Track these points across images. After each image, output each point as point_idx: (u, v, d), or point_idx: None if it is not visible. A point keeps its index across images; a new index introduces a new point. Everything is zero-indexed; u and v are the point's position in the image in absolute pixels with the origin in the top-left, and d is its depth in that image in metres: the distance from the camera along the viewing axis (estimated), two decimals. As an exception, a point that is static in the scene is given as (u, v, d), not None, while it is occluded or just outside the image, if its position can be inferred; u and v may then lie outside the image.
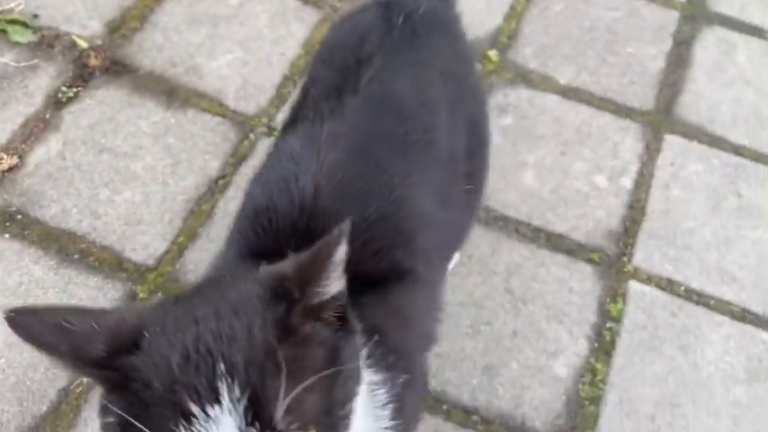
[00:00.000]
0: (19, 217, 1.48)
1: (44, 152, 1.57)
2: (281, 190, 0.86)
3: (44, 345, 0.57)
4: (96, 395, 1.21)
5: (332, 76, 0.97)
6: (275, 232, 0.84)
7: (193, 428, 0.53)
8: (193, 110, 1.67)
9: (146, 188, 1.54)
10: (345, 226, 0.59)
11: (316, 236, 0.63)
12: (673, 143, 1.69)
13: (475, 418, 1.30)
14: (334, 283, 0.60)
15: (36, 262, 1.43)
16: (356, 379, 0.63)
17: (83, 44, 1.74)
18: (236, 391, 0.54)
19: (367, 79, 0.93)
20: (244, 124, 1.65)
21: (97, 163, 1.57)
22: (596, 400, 1.34)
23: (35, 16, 1.78)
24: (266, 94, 1.71)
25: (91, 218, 1.49)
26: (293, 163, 0.88)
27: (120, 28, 1.79)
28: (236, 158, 1.60)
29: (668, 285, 1.48)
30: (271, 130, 1.65)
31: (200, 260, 1.45)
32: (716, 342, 1.42)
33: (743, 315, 1.45)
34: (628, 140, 1.68)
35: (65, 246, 1.45)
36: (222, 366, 0.54)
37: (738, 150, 1.69)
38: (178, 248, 1.46)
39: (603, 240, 1.53)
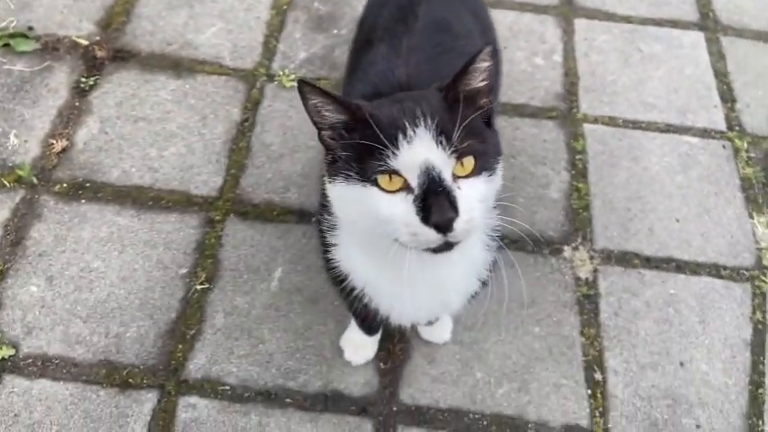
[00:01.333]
0: (88, 185, 1.71)
1: (87, 132, 1.80)
2: (381, 80, 1.17)
3: (318, 104, 0.90)
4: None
5: (392, 12, 1.29)
6: None
7: (407, 137, 0.85)
8: (201, 75, 1.94)
9: (186, 141, 1.80)
10: (487, 48, 0.91)
11: None
12: (581, 24, 2.16)
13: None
14: (478, 82, 0.92)
15: (118, 214, 1.66)
16: (497, 153, 0.93)
17: (83, 42, 1.96)
18: (429, 120, 0.87)
19: (423, 12, 1.26)
20: (247, 77, 1.95)
21: (137, 131, 1.81)
22: (585, 208, 1.77)
23: (30, 29, 1.98)
24: (256, 51, 2.01)
25: (150, 173, 1.74)
26: (387, 63, 1.19)
27: (110, 24, 2.02)
28: (252, 103, 1.89)
29: (610, 121, 1.94)
30: (270, 76, 1.95)
31: (255, 183, 1.74)
32: (654, 150, 1.89)
33: (667, 128, 1.94)
34: (549, 29, 2.14)
35: (137, 197, 1.70)
36: (419, 111, 0.88)
37: (629, 20, 2.18)
38: (233, 178, 1.75)
39: (555, 101, 1.97)
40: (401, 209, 0.85)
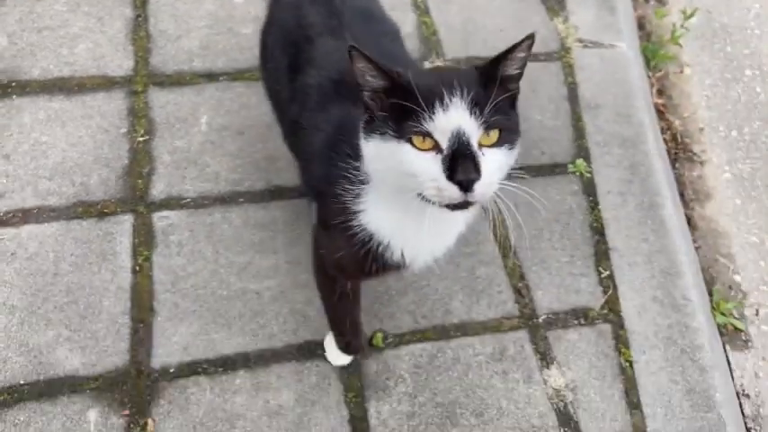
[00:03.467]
0: (14, 84, 1.93)
1: (-3, 45, 2.00)
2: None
3: (363, 68, 1.00)
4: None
5: (318, 9, 1.39)
6: None
7: (443, 105, 0.95)
8: None
9: (92, 38, 2.06)
10: (529, 38, 1.00)
11: None
12: None
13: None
14: (514, 69, 1.02)
15: (50, 101, 1.90)
16: (516, 132, 1.04)
17: (-34, -24, 2.13)
18: (465, 92, 0.96)
19: (346, 4, 1.39)
20: (130, -15, 2.22)
21: (43, 38, 2.04)
22: (434, 33, 2.24)
23: None
24: None
25: (67, 66, 1.99)
26: (341, 53, 1.16)
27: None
28: (140, 2, 2.17)
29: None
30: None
31: (162, 60, 2.03)
32: (474, -13, 2.40)
33: None
34: None
35: (63, 86, 1.94)
36: (456, 82, 0.97)
37: None
38: (142, 60, 2.03)
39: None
40: (430, 165, 0.95)
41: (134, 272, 1.65)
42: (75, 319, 1.58)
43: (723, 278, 2.03)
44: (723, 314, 1.93)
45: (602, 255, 1.83)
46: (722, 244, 2.11)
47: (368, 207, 1.15)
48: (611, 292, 1.77)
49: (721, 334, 1.94)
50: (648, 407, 1.62)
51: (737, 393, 1.84)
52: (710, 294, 1.96)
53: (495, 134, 0.97)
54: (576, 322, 1.72)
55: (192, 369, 1.56)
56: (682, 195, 2.17)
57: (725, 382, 1.72)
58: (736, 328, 1.98)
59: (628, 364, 1.68)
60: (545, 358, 1.67)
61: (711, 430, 1.60)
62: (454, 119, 0.94)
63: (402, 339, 1.65)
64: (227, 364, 1.57)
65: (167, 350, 1.57)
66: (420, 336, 1.66)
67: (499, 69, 1.00)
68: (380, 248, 1.19)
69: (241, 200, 1.79)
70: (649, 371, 1.67)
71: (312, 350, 1.61)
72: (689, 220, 2.12)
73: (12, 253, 1.63)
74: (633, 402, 1.62)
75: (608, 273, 1.80)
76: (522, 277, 1.77)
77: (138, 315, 1.60)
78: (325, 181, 1.23)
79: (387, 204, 1.13)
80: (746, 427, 1.75)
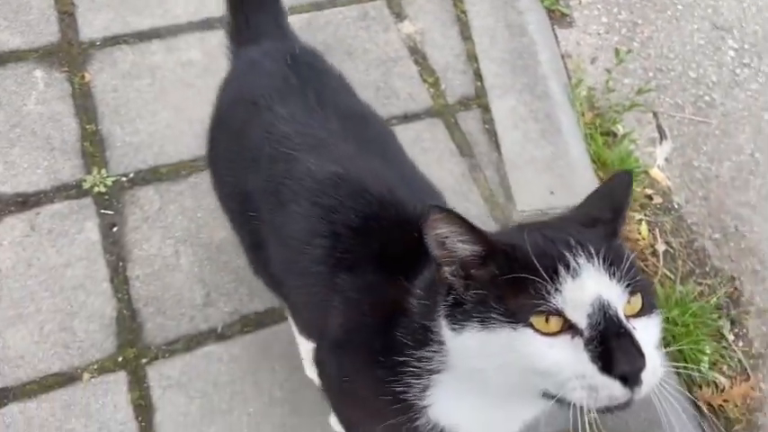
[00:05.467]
0: None
1: None
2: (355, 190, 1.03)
3: (446, 234, 0.77)
4: None
5: (300, 119, 1.11)
6: None
7: (570, 270, 0.73)
8: None
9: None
10: (627, 173, 0.85)
11: None
12: None
13: None
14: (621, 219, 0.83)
15: None
16: (653, 290, 0.91)
17: None
18: (593, 250, 0.74)
19: (330, 107, 1.13)
20: None
21: None
22: None
23: None
24: None
25: None
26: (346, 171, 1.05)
27: None
28: None
29: None
30: None
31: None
32: None
33: None
34: None
35: None
36: (573, 240, 0.76)
37: None
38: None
39: None
40: (570, 355, 0.71)
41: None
42: (9, 15, 1.92)
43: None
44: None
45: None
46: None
47: (439, 399, 0.87)
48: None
49: (550, 18, 2.44)
50: (478, 37, 2.10)
51: (562, 56, 2.36)
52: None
53: (637, 300, 0.75)
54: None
55: (114, 41, 1.93)
56: None
57: (538, 20, 2.22)
58: (562, 14, 2.48)
59: (463, 14, 2.15)
60: (399, 16, 2.12)
61: (524, 50, 2.10)
62: (591, 287, 0.73)
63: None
64: (142, 37, 1.95)
65: (91, 30, 1.94)
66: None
67: (606, 212, 0.83)
68: None
69: None
70: (479, 16, 2.15)
71: (211, 24, 2.00)
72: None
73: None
74: (467, 37, 2.11)
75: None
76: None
77: (63, 8, 1.96)
78: (363, 379, 0.96)
79: (466, 391, 0.85)
80: (562, 56, 2.26)
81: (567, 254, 0.74)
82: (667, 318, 1.76)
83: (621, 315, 0.72)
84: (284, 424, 1.45)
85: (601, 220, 0.83)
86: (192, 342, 1.52)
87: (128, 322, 1.53)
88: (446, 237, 0.77)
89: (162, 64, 1.91)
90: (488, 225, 1.74)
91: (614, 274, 0.73)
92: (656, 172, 2.12)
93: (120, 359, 1.48)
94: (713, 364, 1.77)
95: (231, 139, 1.21)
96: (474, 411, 0.87)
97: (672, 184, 2.10)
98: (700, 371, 1.75)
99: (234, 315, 1.56)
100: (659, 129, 2.21)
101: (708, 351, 1.77)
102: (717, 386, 1.74)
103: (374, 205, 1.00)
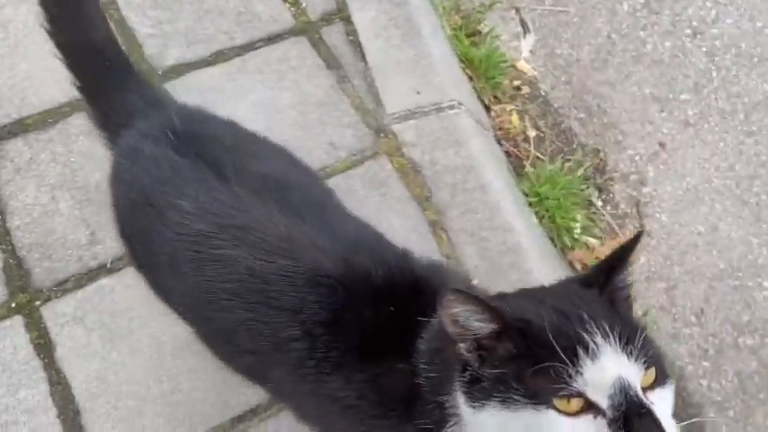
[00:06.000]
0: None
1: None
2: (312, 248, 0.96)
3: (462, 312, 0.77)
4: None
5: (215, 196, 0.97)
6: None
7: (590, 352, 0.73)
8: None
9: None
10: (638, 236, 0.81)
11: None
12: None
13: None
14: (623, 276, 0.83)
15: None
16: (663, 358, 0.81)
17: None
18: (606, 327, 0.74)
19: (245, 181, 0.99)
20: None
21: None
22: None
23: None
24: None
25: None
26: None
27: None
28: None
29: None
30: None
31: None
32: None
33: None
34: None
35: None
36: (586, 315, 0.76)
37: None
38: None
39: None
40: None
41: None
42: None
43: None
44: None
45: None
46: None
47: None
48: None
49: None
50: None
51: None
52: None
53: (651, 372, 0.76)
54: None
55: None
56: None
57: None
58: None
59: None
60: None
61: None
62: (611, 369, 0.73)
63: None
64: None
65: None
66: None
67: (617, 280, 0.82)
68: None
69: None
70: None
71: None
72: None
73: None
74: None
75: None
76: None
77: None
78: None
79: None
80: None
81: (585, 334, 0.74)
82: (539, 194, 1.90)
83: (641, 394, 0.73)
84: (187, 339, 1.51)
85: (597, 282, 0.82)
86: (83, 279, 1.56)
87: (15, 270, 1.55)
88: (461, 315, 0.77)
89: (12, 17, 1.87)
90: (362, 132, 1.83)
91: (631, 353, 0.74)
92: (522, 64, 2.23)
93: (13, 305, 1.51)
94: (585, 229, 1.93)
95: (142, 248, 1.08)
96: None
97: (537, 74, 2.22)
98: (573, 237, 1.91)
99: (122, 249, 1.59)
100: (522, 23, 2.31)
101: (579, 219, 1.93)
102: (588, 247, 1.91)
103: (338, 290, 0.92)
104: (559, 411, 0.73)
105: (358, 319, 0.91)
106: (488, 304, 0.76)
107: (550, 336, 0.73)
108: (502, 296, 0.88)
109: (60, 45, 1.16)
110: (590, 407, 0.73)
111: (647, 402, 0.72)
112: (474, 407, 0.77)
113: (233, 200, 0.97)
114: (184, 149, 1.02)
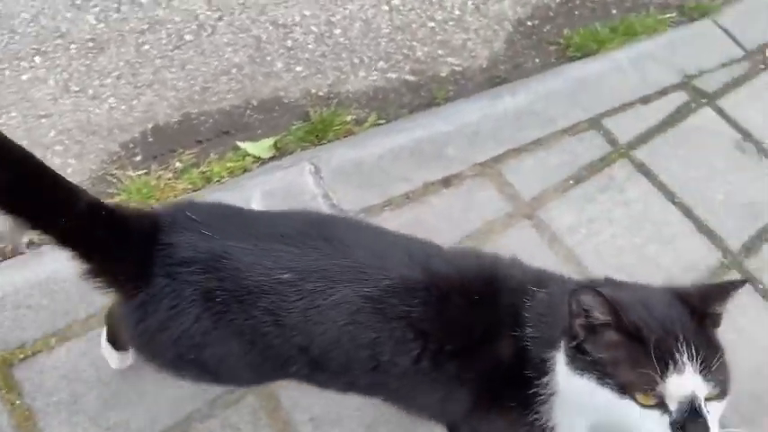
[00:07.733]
0: None
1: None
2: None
3: (593, 305, 0.96)
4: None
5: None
6: None
7: (677, 368, 0.91)
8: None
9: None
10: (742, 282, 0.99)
11: None
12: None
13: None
14: (718, 305, 0.99)
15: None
16: (730, 377, 0.96)
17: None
18: (694, 351, 0.91)
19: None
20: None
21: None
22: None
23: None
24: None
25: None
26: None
27: None
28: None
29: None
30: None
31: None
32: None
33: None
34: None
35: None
36: (681, 335, 0.93)
37: None
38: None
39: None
40: (656, 427, 0.91)
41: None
42: None
43: None
44: None
45: None
46: None
47: (562, 419, 1.06)
48: None
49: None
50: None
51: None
52: None
53: (716, 391, 0.93)
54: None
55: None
56: None
57: None
58: None
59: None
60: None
61: None
62: (689, 386, 0.91)
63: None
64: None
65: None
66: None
67: (712, 308, 0.99)
68: None
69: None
70: None
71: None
72: None
73: None
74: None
75: None
76: None
77: None
78: (504, 423, 1.13)
79: (575, 412, 1.03)
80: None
81: (677, 353, 0.91)
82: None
83: (704, 405, 0.90)
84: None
85: (693, 304, 0.99)
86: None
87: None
88: (589, 305, 0.96)
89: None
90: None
91: (707, 375, 0.91)
92: None
93: None
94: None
95: (223, 350, 1.12)
96: (582, 427, 1.04)
97: None
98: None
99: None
100: None
101: None
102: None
103: (432, 292, 1.09)
104: (637, 402, 0.91)
105: (456, 310, 1.09)
106: (613, 306, 0.94)
107: (652, 347, 0.90)
108: (618, 285, 1.08)
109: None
110: (661, 405, 0.90)
111: (705, 413, 0.89)
112: (573, 372, 0.97)
113: (308, 251, 1.08)
114: (223, 234, 1.08)
